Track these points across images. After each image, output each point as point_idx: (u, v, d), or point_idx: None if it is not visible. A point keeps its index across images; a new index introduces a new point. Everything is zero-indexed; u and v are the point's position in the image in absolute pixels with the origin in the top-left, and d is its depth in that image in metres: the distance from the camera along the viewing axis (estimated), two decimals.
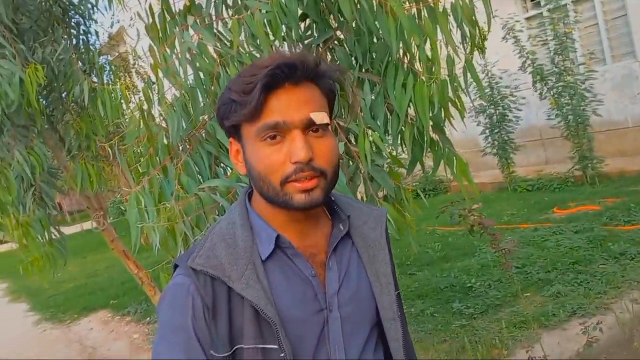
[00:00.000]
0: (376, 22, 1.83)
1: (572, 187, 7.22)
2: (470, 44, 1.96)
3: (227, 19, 1.92)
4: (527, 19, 8.56)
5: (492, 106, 7.81)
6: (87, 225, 10.36)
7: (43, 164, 3.18)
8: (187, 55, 1.98)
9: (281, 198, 0.92)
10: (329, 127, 0.95)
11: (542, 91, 7.11)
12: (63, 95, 3.68)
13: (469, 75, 1.95)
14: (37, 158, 3.16)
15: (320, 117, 0.92)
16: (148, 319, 6.03)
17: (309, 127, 0.92)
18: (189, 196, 1.71)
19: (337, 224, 1.04)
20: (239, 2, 1.99)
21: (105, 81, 3.73)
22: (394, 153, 2.04)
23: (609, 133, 7.82)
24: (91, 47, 3.77)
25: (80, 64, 3.50)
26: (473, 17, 1.87)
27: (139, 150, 1.99)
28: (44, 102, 3.63)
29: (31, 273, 3.52)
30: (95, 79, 3.61)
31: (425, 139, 2.05)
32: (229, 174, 1.85)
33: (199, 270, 0.92)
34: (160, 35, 2.07)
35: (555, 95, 7.08)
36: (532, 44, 7.56)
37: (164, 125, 2.03)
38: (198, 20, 2.14)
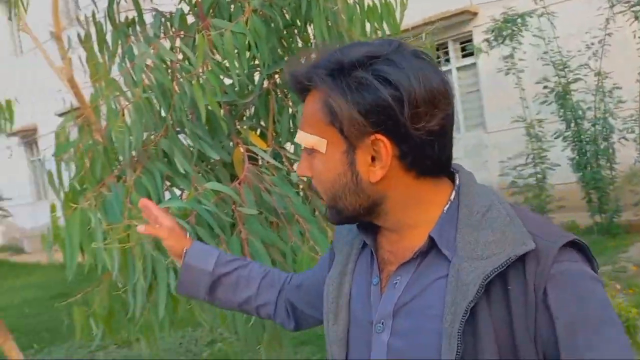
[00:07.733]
0: None
1: None
2: None
3: (188, 36, 1.84)
4: None
5: None
6: None
7: None
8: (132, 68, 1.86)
9: None
10: (322, 146, 0.81)
11: None
12: None
13: None
14: None
15: (300, 138, 0.84)
16: None
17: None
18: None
19: (436, 240, 0.81)
20: (199, 22, 1.93)
21: None
22: None
23: None
24: None
25: None
26: None
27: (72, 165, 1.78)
28: None
29: None
30: None
31: None
32: (185, 195, 1.73)
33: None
34: (106, 47, 1.93)
35: None
36: None
37: (99, 138, 1.86)
38: (142, 35, 2.04)
